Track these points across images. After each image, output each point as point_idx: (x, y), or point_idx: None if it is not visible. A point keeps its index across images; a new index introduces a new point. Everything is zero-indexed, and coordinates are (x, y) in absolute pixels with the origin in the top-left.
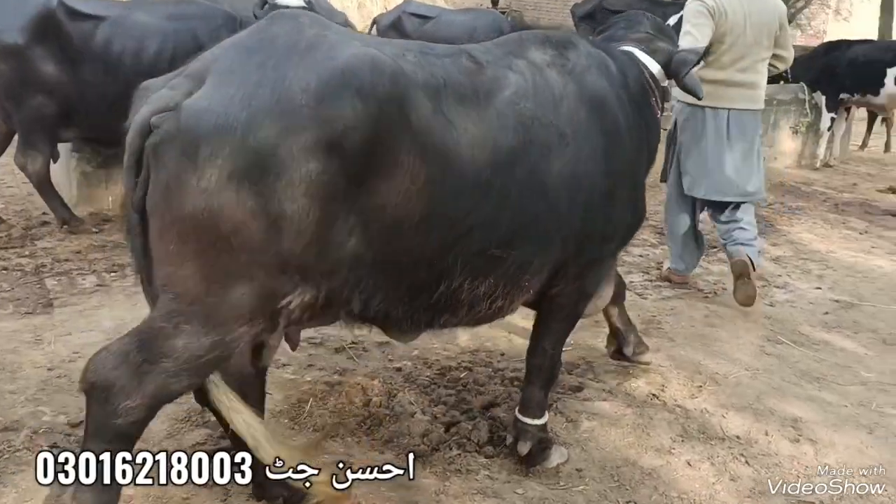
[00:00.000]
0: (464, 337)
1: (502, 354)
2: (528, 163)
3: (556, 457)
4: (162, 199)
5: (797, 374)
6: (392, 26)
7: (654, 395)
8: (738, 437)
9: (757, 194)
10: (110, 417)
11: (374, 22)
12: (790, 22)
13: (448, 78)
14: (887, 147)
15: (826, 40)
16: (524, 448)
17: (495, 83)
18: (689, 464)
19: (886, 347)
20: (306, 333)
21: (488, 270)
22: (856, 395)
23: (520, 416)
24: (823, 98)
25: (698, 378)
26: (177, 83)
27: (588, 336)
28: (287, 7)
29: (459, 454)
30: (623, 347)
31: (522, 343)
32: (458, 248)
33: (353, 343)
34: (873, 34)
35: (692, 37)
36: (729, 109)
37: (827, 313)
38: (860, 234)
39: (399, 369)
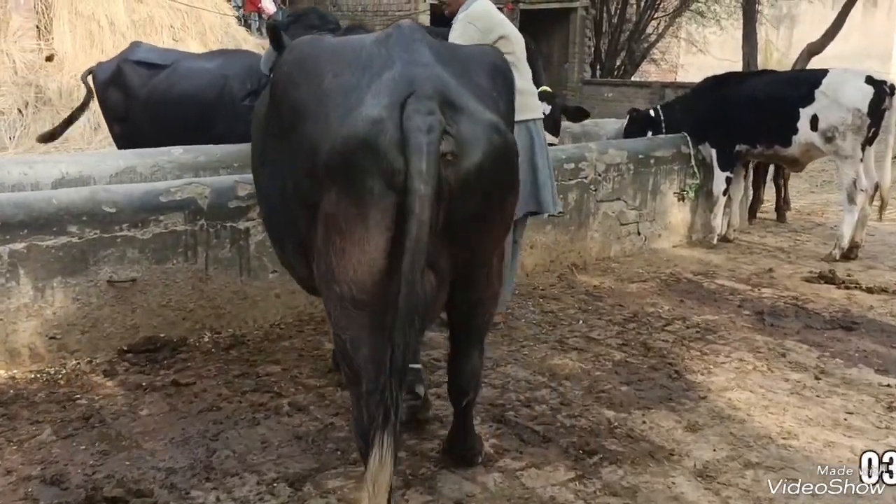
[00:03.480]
0: None
1: None
2: None
3: None
4: (498, 196)
5: None
6: (111, 81)
7: None
8: None
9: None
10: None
11: (91, 73)
12: (644, 57)
13: None
14: (781, 212)
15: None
16: None
17: None
18: None
19: None
20: None
21: None
22: None
23: None
24: (714, 152)
25: None
26: (427, 107)
27: None
28: None
29: None
30: None
31: None
32: None
33: None
34: (735, 66)
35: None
36: None
37: None
38: (815, 379)
39: None
